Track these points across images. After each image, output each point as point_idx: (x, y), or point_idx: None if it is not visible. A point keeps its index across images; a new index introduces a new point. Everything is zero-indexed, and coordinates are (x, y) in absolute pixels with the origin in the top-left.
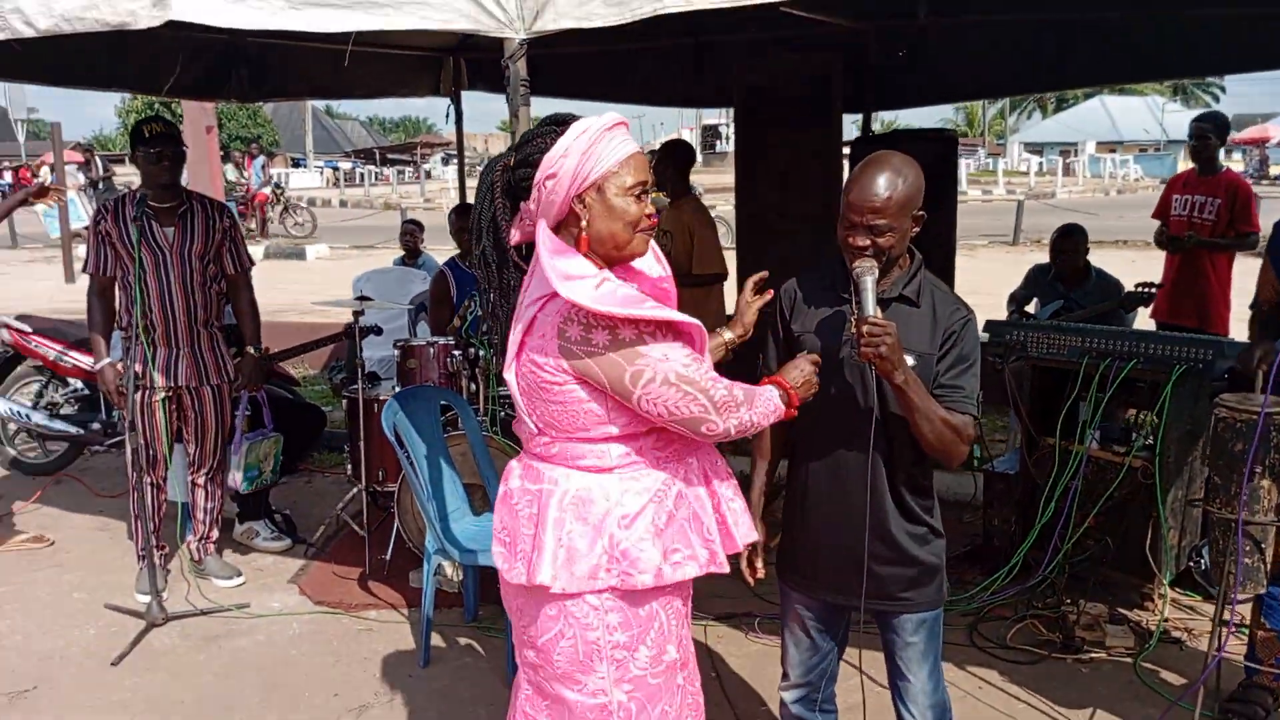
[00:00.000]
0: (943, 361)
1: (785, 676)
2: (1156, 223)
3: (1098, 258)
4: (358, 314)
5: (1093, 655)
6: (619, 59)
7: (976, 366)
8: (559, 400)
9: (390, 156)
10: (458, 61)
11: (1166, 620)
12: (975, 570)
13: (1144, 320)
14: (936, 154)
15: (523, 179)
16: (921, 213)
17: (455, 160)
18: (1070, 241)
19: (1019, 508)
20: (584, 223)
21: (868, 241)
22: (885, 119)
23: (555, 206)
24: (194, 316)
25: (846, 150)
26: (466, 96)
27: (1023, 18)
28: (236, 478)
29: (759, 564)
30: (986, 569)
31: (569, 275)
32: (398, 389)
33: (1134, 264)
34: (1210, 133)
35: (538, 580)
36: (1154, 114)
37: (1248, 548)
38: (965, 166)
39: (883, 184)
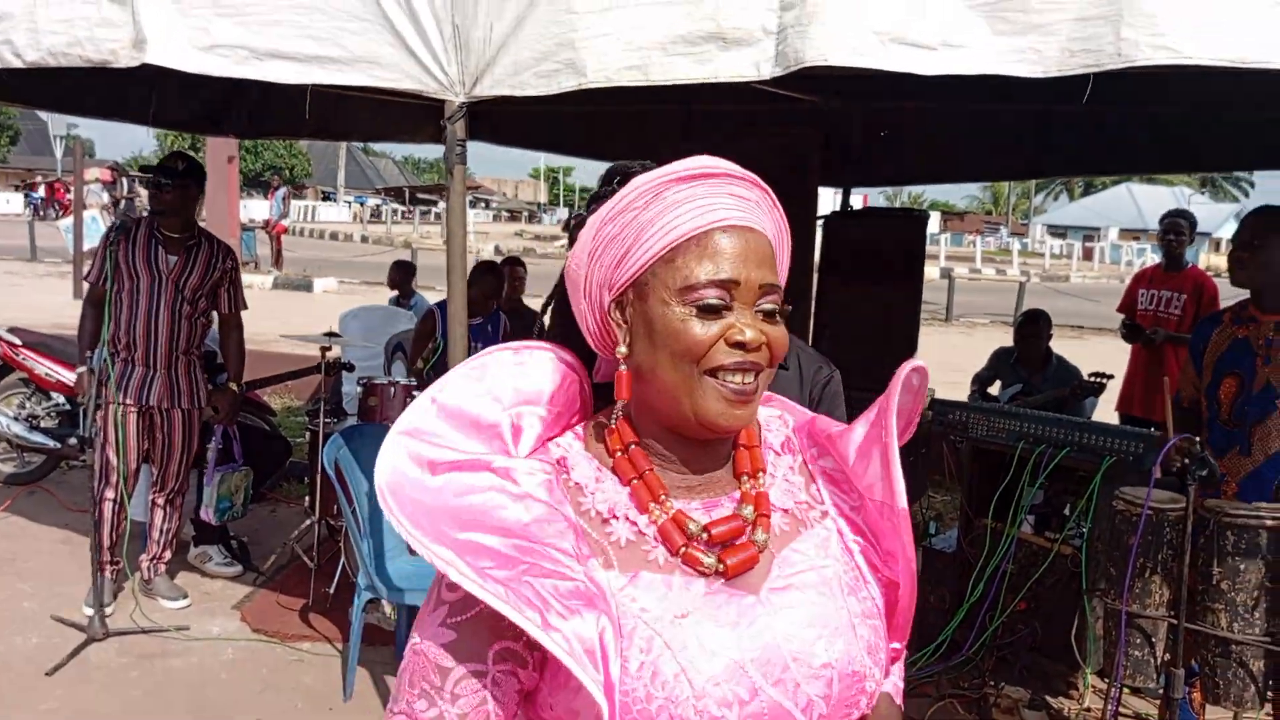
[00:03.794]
0: None
1: None
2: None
3: (1096, 345)
4: (325, 349)
5: None
6: (609, 120)
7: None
8: None
9: (420, 196)
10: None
11: (1088, 710)
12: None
13: (1107, 411)
14: (906, 233)
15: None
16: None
17: (482, 203)
18: (1033, 327)
19: (952, 587)
20: (621, 348)
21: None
22: (914, 191)
23: (584, 318)
24: (175, 343)
25: (821, 224)
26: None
27: (1003, 106)
28: (208, 511)
29: None
30: (917, 646)
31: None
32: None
33: (1126, 353)
34: (1185, 229)
35: None
36: (1179, 204)
37: (1137, 640)
38: (984, 244)
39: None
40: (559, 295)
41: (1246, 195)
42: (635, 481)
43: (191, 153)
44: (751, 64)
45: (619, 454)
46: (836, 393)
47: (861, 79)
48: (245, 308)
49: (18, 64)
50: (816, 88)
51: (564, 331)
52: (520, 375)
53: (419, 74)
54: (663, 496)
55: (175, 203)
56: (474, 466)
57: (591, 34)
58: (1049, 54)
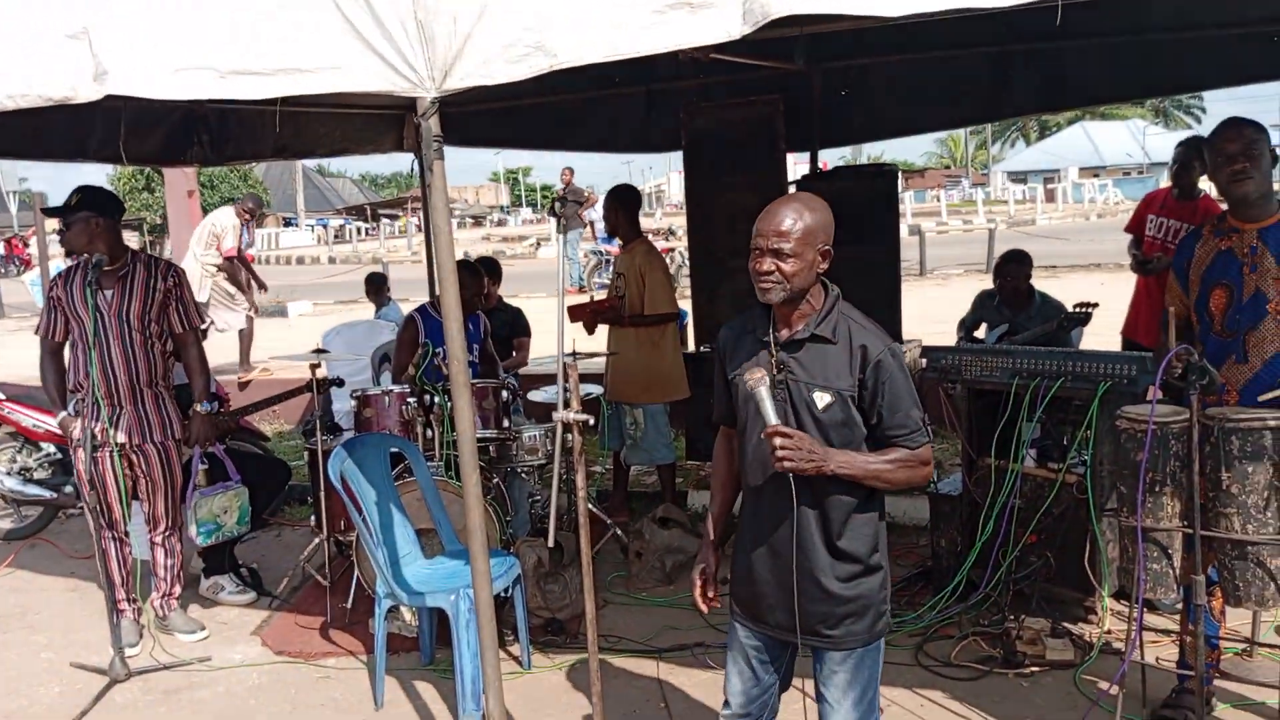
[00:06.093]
0: (883, 402)
1: (726, 704)
2: (1129, 238)
3: (1071, 281)
4: (314, 367)
5: (1033, 669)
6: (572, 108)
7: (912, 393)
8: None
9: (381, 212)
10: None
11: (1108, 632)
12: (926, 591)
13: (1109, 339)
14: (878, 189)
15: None
16: (828, 248)
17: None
18: (1013, 267)
19: (963, 528)
20: None
21: (772, 266)
22: (871, 152)
23: None
24: (135, 375)
25: (794, 189)
26: (453, 149)
27: (960, 51)
28: (192, 532)
29: (711, 593)
30: (936, 589)
31: None
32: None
33: (1104, 286)
34: (1196, 160)
35: None
36: (1136, 138)
37: (1154, 554)
38: (948, 197)
39: (787, 213)
40: None
41: (1199, 122)
42: None
43: (146, 193)
44: (721, 26)
45: None
46: (896, 364)
47: (820, 40)
48: (201, 322)
49: None
50: (779, 53)
51: None
52: None
53: (387, 74)
54: None
55: (81, 238)
56: None
57: (558, 14)
58: None
